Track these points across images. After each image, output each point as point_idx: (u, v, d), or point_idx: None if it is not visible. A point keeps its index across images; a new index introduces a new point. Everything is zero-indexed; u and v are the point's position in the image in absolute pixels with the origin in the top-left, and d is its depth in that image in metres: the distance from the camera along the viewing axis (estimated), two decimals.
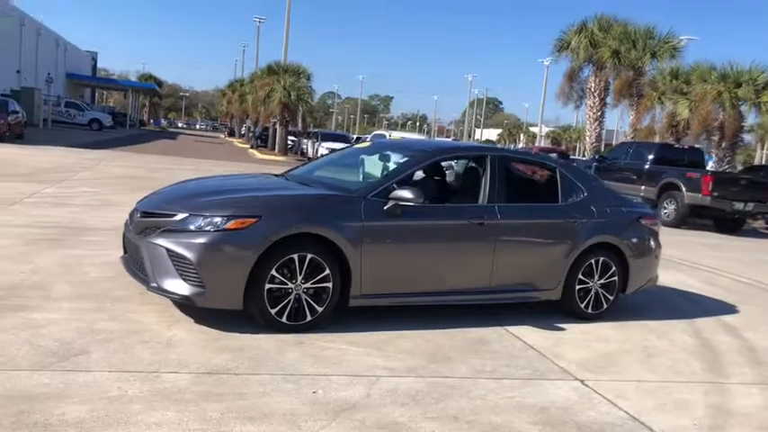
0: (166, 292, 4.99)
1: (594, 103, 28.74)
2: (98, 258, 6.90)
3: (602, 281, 6.59)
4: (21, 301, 5.26)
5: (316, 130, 45.92)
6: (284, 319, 5.14)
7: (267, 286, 5.03)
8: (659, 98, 27.16)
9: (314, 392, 4.10)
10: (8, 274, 5.99)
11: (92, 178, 15.02)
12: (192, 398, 3.82)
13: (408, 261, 5.66)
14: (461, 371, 4.78)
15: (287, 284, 5.12)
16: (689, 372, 5.35)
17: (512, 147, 74.79)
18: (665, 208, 17.72)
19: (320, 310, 5.26)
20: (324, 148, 30.98)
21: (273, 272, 5.04)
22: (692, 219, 17.90)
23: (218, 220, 5.00)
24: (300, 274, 5.15)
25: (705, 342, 6.26)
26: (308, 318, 5.22)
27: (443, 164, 6.82)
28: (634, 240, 6.78)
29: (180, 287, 4.94)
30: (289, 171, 6.98)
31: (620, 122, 42.47)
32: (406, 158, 6.11)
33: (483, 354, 5.21)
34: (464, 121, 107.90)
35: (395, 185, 5.56)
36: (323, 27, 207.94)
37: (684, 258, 11.55)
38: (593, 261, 6.50)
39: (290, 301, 5.14)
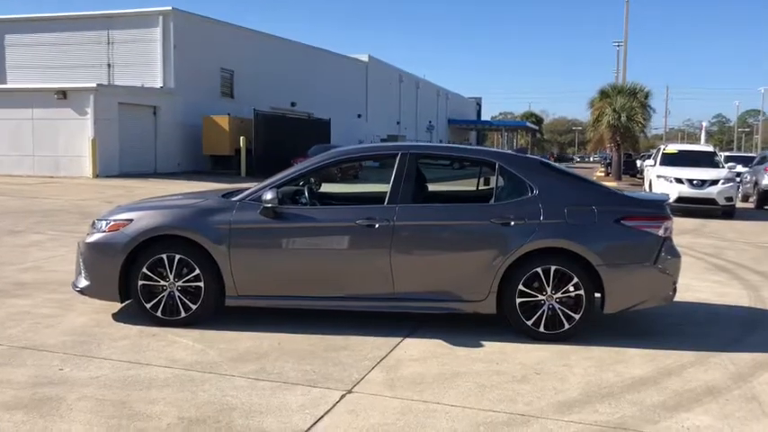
0: (74, 285, 5.95)
1: None
2: None
3: (559, 295, 5.46)
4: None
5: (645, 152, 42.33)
6: (159, 314, 5.65)
7: (140, 282, 5.63)
8: None
9: (60, 369, 4.60)
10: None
11: None
12: None
13: (287, 263, 5.63)
14: (241, 370, 4.67)
15: (160, 282, 5.63)
16: (509, 401, 4.24)
17: None
18: None
19: (194, 307, 5.63)
20: (656, 175, 17.50)
21: (145, 270, 5.62)
22: None
23: (103, 223, 5.81)
24: (171, 272, 5.62)
25: (629, 378, 4.73)
26: (183, 314, 5.63)
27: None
28: (608, 246, 5.45)
29: (81, 281, 5.87)
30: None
31: None
32: (301, 164, 6.05)
33: (309, 360, 4.92)
34: None
35: (267, 189, 5.63)
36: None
37: None
38: (539, 270, 5.44)
39: (163, 297, 5.64)
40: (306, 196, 6.15)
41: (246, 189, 5.95)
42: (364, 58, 50.27)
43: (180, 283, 5.62)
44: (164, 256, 5.61)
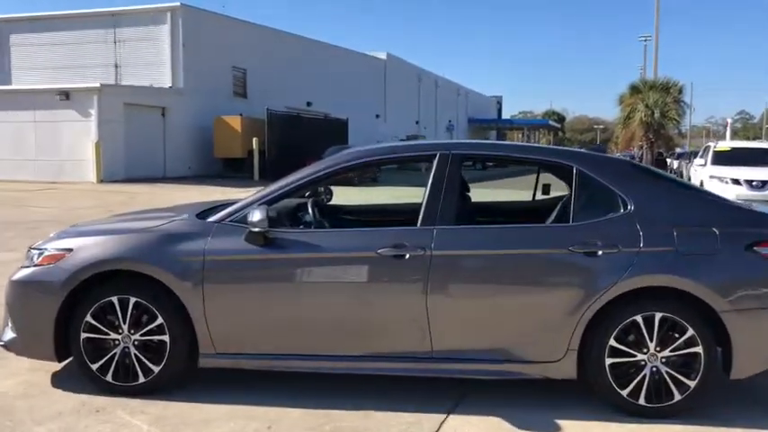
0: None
1: None
2: None
3: (666, 353, 3.84)
4: None
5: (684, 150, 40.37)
6: (109, 378, 4.12)
7: (84, 335, 4.10)
8: None
9: None
10: None
11: None
12: None
13: (281, 309, 4.06)
14: None
15: (110, 335, 4.10)
16: None
17: None
18: None
19: (156, 369, 4.08)
20: (709, 176, 15.51)
21: (90, 318, 4.09)
22: None
23: (35, 254, 4.29)
24: (125, 322, 4.08)
25: None
26: (141, 379, 4.09)
27: None
28: (736, 283, 3.82)
29: (6, 333, 4.34)
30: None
31: None
32: (303, 171, 4.45)
33: None
34: None
35: (255, 206, 4.06)
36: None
37: None
38: (639, 318, 3.83)
39: (115, 355, 4.11)
40: (310, 213, 4.57)
41: (230, 205, 4.38)
42: (382, 56, 48.62)
43: (137, 337, 4.08)
44: (114, 299, 4.07)
